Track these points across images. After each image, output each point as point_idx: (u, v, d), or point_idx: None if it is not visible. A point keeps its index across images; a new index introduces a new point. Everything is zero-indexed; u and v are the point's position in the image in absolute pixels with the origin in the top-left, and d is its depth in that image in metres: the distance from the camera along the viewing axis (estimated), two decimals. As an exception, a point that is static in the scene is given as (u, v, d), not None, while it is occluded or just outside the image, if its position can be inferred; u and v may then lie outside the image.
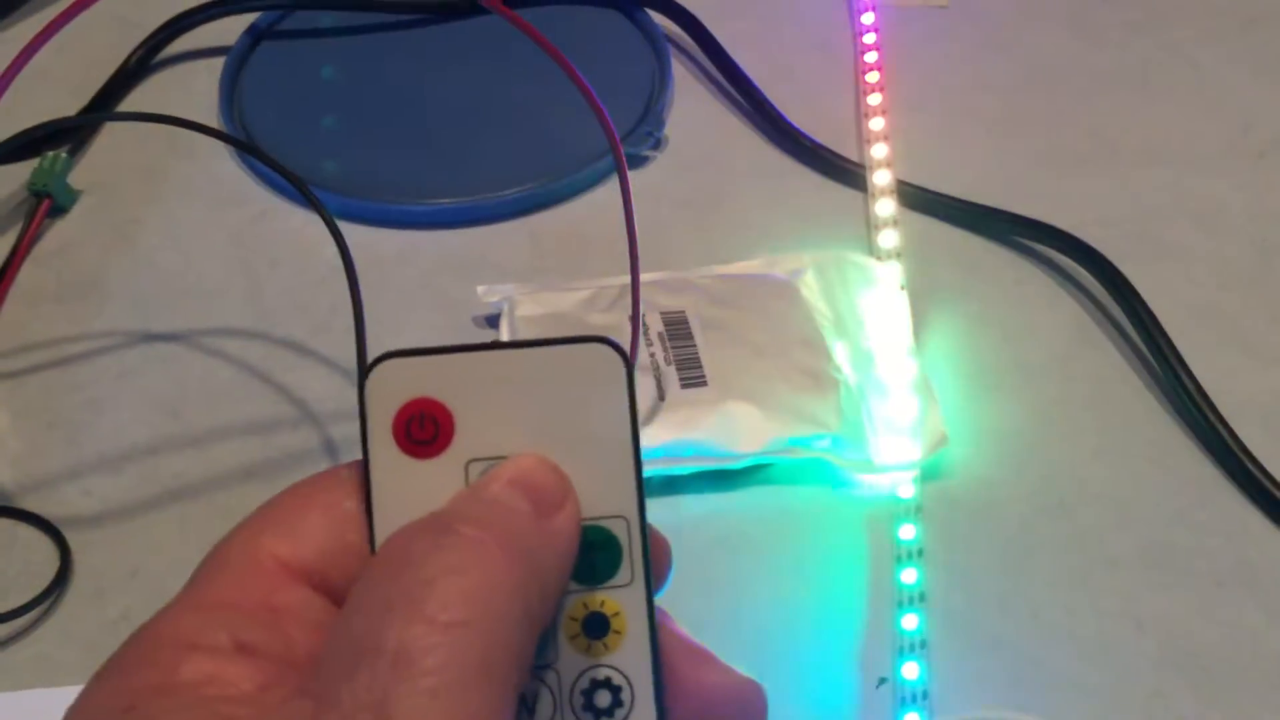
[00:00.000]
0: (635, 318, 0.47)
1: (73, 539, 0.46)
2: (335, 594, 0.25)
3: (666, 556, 0.27)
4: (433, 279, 0.55)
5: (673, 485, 0.48)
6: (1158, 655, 0.44)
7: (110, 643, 0.44)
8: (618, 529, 0.26)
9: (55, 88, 0.63)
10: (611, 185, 0.59)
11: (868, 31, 0.65)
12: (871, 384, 0.50)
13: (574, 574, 0.26)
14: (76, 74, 0.63)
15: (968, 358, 0.52)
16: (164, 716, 0.22)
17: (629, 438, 0.26)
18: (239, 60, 0.65)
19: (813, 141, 0.60)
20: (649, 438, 0.47)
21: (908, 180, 0.58)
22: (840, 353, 0.51)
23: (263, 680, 0.23)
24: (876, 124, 0.61)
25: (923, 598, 0.44)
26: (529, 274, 0.55)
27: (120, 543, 0.47)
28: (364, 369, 0.26)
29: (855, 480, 0.48)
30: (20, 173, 0.58)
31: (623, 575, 0.26)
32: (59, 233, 0.58)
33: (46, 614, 0.45)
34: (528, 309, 0.52)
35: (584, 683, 0.25)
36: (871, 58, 0.64)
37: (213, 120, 0.62)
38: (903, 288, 0.54)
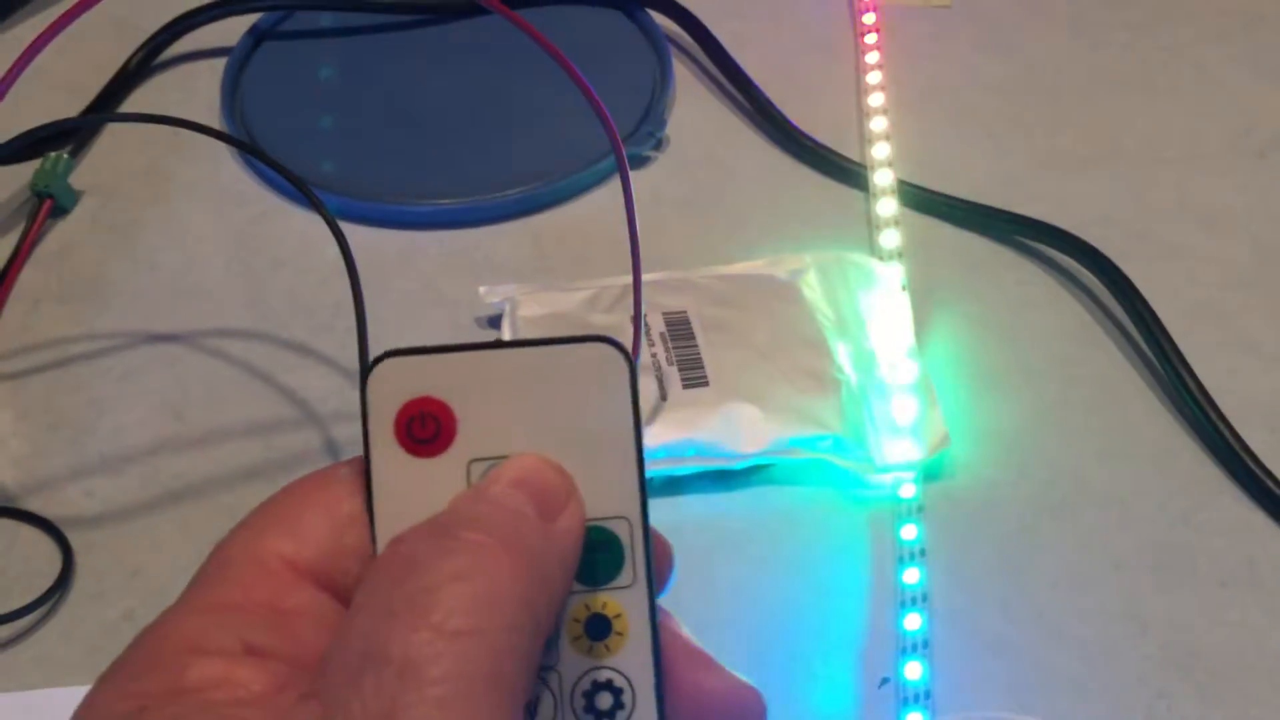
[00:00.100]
0: (637, 318, 0.47)
1: (75, 540, 0.46)
2: (340, 592, 0.25)
3: (668, 558, 0.27)
4: (434, 279, 0.55)
5: (674, 485, 0.48)
6: (1161, 656, 0.44)
7: (112, 643, 0.44)
8: (620, 530, 0.26)
9: (57, 89, 0.63)
10: (613, 185, 0.59)
11: (869, 31, 0.65)
12: (873, 384, 0.50)
13: (576, 575, 0.25)
14: (78, 75, 0.63)
15: (969, 358, 0.52)
16: None
17: (631, 437, 0.26)
18: (240, 61, 0.65)
19: (814, 141, 0.60)
20: (651, 438, 0.47)
21: (909, 180, 0.58)
22: (842, 353, 0.51)
23: (273, 682, 0.22)
24: (878, 124, 0.61)
25: (925, 598, 0.44)
26: (531, 274, 0.55)
27: (122, 543, 0.47)
28: (365, 368, 0.26)
29: (857, 481, 0.48)
30: (22, 174, 0.58)
31: (625, 576, 0.26)
32: (61, 234, 0.58)
33: (48, 615, 0.45)
34: (529, 309, 0.52)
35: (585, 684, 0.25)
36: (873, 58, 0.64)
37: (214, 121, 0.62)
38: (904, 288, 0.53)
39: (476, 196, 0.58)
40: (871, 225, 0.57)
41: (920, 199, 0.58)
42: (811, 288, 0.53)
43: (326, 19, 0.67)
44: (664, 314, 0.51)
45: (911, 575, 0.45)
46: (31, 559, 0.46)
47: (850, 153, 0.60)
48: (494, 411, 0.26)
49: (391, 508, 0.25)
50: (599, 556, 0.26)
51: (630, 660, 0.25)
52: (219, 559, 0.25)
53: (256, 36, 0.66)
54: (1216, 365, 0.51)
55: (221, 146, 0.61)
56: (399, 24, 0.67)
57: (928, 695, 0.42)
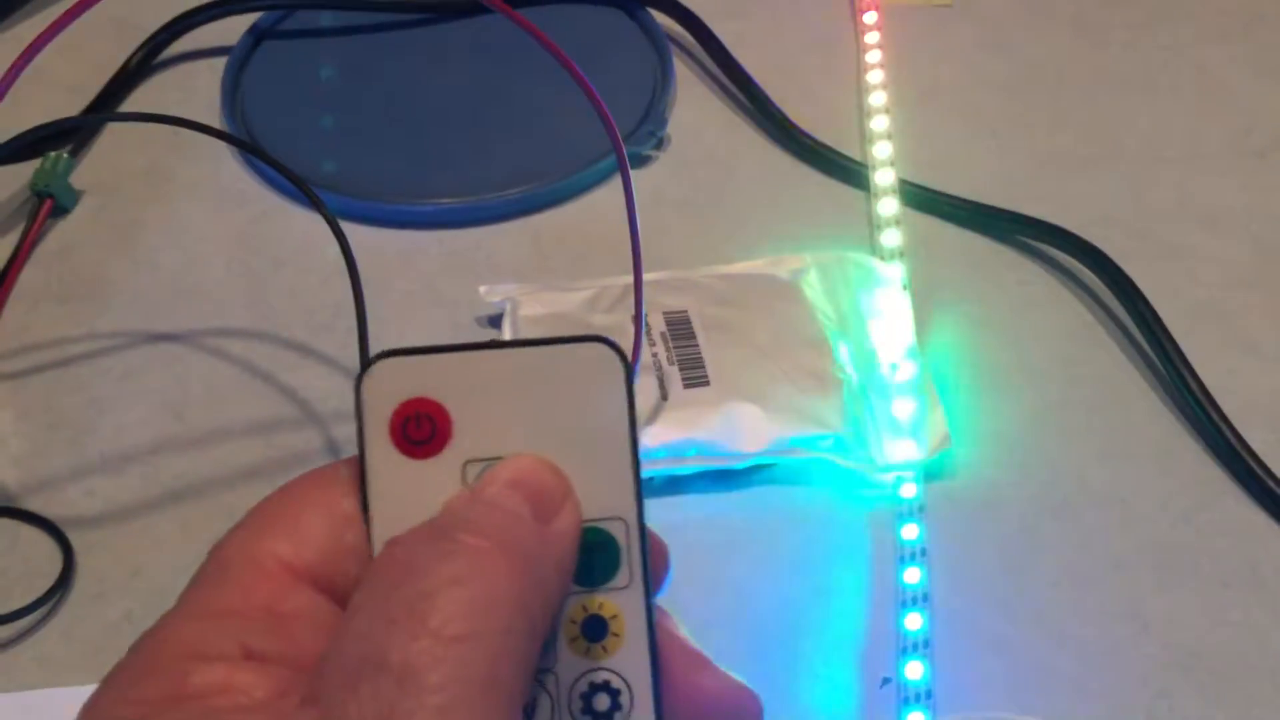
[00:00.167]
0: (638, 318, 0.47)
1: (75, 540, 0.46)
2: (337, 593, 0.25)
3: (664, 559, 0.27)
4: (435, 279, 0.55)
5: (675, 485, 0.48)
6: (1162, 656, 0.44)
7: (113, 643, 0.44)
8: (616, 530, 0.26)
9: (57, 88, 0.63)
10: (614, 185, 0.59)
11: (870, 30, 0.65)
12: (874, 384, 0.50)
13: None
14: (78, 74, 0.63)
15: (971, 358, 0.52)
16: None
17: (627, 438, 0.26)
18: (241, 60, 0.64)
19: (815, 141, 0.60)
20: (652, 437, 0.47)
21: (910, 180, 0.58)
22: (843, 353, 0.51)
23: (274, 687, 0.22)
24: (879, 123, 0.61)
25: (926, 598, 0.44)
26: (531, 274, 0.55)
27: (123, 543, 0.47)
28: (360, 369, 0.25)
29: (858, 480, 0.48)
30: (22, 173, 0.58)
31: (621, 578, 0.25)
32: (61, 233, 0.58)
33: (49, 615, 0.45)
34: (530, 309, 0.52)
35: (582, 686, 0.25)
36: (874, 56, 0.64)
37: (214, 120, 0.62)
38: (905, 288, 0.53)
39: (477, 196, 0.58)
40: (873, 224, 0.57)
41: (921, 198, 0.58)
42: (812, 287, 0.53)
43: (326, 18, 0.67)
44: (665, 313, 0.51)
45: (912, 575, 0.45)
46: (32, 559, 0.46)
47: (851, 152, 0.60)
48: (489, 412, 0.25)
49: (387, 509, 0.25)
50: (595, 558, 0.25)
51: (627, 661, 0.25)
52: (217, 561, 0.25)
53: (256, 36, 0.66)
54: (1218, 365, 0.51)
55: (222, 146, 0.61)
56: (399, 23, 0.67)
57: (929, 695, 0.42)
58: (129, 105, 0.64)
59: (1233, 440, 0.48)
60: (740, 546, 0.47)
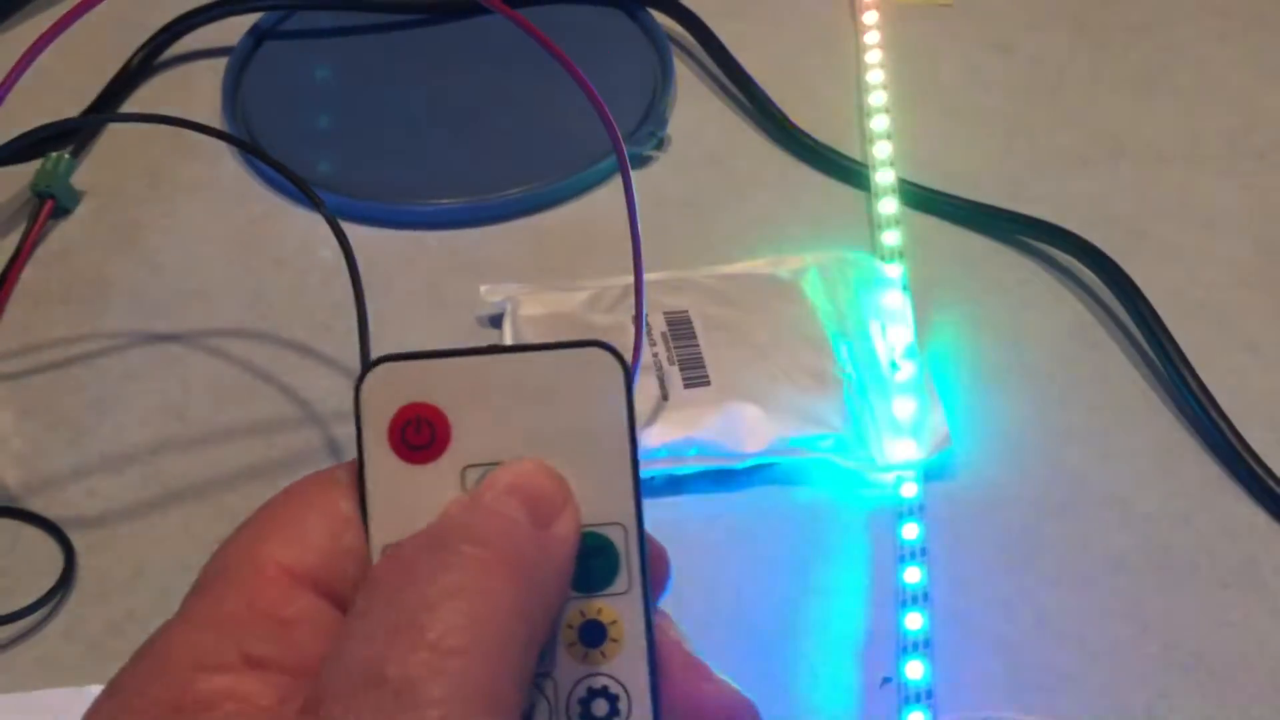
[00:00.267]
0: (639, 318, 0.47)
1: (77, 540, 0.47)
2: (339, 597, 0.25)
3: (664, 564, 0.27)
4: (436, 279, 0.55)
5: (676, 485, 0.48)
6: (1162, 656, 0.44)
7: (114, 643, 0.44)
8: (615, 536, 0.25)
9: (58, 89, 0.63)
10: (614, 185, 0.59)
11: (870, 30, 0.65)
12: (875, 384, 0.50)
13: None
14: (79, 75, 0.63)
15: (971, 357, 0.52)
16: None
17: (626, 443, 0.26)
18: (241, 61, 0.65)
19: (815, 141, 0.60)
20: (652, 437, 0.47)
21: (910, 179, 0.58)
22: (843, 352, 0.51)
23: (276, 695, 0.22)
24: (879, 123, 0.61)
25: (926, 597, 0.44)
26: (532, 274, 0.55)
27: (124, 543, 0.47)
28: (359, 373, 0.25)
29: (858, 480, 0.48)
30: (23, 174, 0.58)
31: (620, 583, 0.25)
32: (62, 234, 0.58)
33: (51, 615, 0.45)
34: (531, 309, 0.52)
35: (581, 691, 0.25)
36: (874, 56, 0.64)
37: (215, 121, 0.62)
38: (905, 287, 0.53)
39: (477, 196, 0.58)
40: (873, 224, 0.57)
41: (921, 198, 0.58)
42: (813, 287, 0.53)
43: (326, 19, 0.67)
44: (665, 313, 0.51)
45: (913, 574, 0.45)
46: (33, 559, 0.46)
47: (851, 152, 0.60)
48: (488, 417, 0.25)
49: (386, 514, 0.25)
50: (594, 563, 0.25)
51: (626, 667, 0.25)
52: (217, 568, 0.25)
53: (257, 36, 0.66)
54: (1217, 364, 0.51)
55: (222, 146, 0.61)
56: (399, 23, 0.67)
57: (929, 694, 0.42)
58: (130, 106, 0.64)
59: (1233, 440, 0.48)
60: (740, 546, 0.47)
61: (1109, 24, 0.67)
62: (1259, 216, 0.58)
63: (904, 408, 0.49)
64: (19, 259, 0.55)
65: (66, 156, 0.58)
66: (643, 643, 0.25)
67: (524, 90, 0.63)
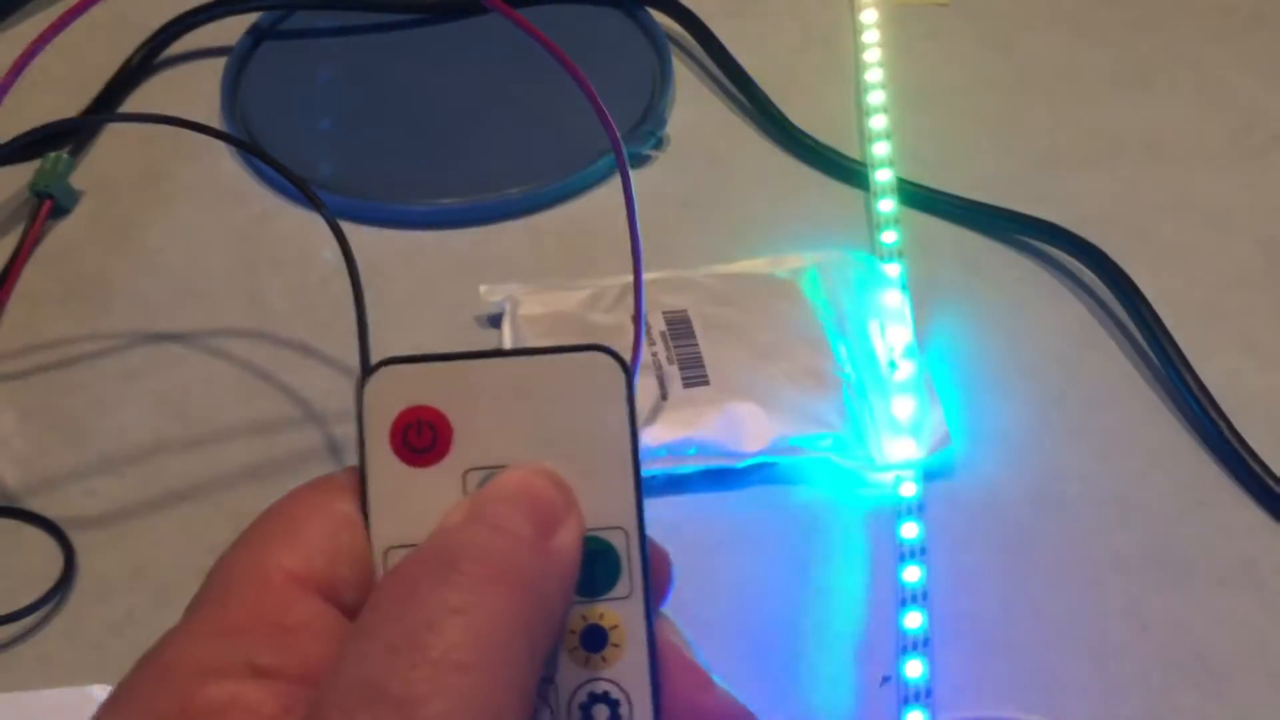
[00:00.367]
0: (638, 317, 0.47)
1: (77, 540, 0.47)
2: (343, 602, 0.25)
3: (667, 569, 0.27)
4: (435, 279, 0.55)
5: (675, 484, 0.48)
6: (1161, 654, 0.44)
7: (114, 643, 0.44)
8: (616, 540, 0.25)
9: (57, 89, 0.63)
10: (613, 184, 0.59)
11: (869, 30, 0.65)
12: (874, 383, 0.50)
13: None
14: (78, 75, 0.63)
15: (970, 356, 0.52)
16: None
17: (628, 448, 0.26)
18: (241, 60, 0.65)
19: (814, 140, 0.60)
20: (652, 437, 0.47)
21: (909, 178, 0.58)
22: (842, 352, 0.51)
23: (283, 702, 0.22)
24: (878, 122, 0.61)
25: (925, 596, 0.44)
26: (531, 273, 0.55)
27: (124, 543, 0.47)
28: (361, 376, 0.25)
29: (858, 479, 0.48)
30: (22, 174, 0.58)
31: (621, 588, 0.25)
32: (61, 234, 0.58)
33: (51, 615, 0.45)
34: (530, 308, 0.52)
35: (582, 696, 0.25)
36: (873, 55, 0.64)
37: (214, 121, 0.62)
38: (904, 286, 0.53)
39: (477, 196, 0.58)
40: (872, 223, 0.57)
41: (920, 197, 0.58)
42: (812, 286, 0.53)
43: (326, 18, 0.67)
44: (664, 313, 0.51)
45: (912, 573, 0.45)
46: (33, 559, 0.46)
47: (850, 151, 0.60)
48: (490, 420, 0.25)
49: (387, 517, 0.25)
50: (595, 567, 0.25)
51: (627, 672, 0.25)
52: (222, 575, 0.25)
53: (256, 36, 0.66)
54: (1217, 363, 0.51)
55: (222, 146, 0.61)
56: (399, 23, 0.67)
57: (928, 694, 0.42)
58: (129, 105, 0.64)
59: (1231, 439, 0.48)
60: (740, 545, 0.47)
61: (1108, 22, 0.67)
62: (1259, 215, 0.58)
63: (903, 407, 0.49)
64: (18, 259, 0.55)
65: (65, 156, 0.58)
66: (644, 648, 0.25)
67: (523, 90, 0.63)
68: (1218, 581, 0.46)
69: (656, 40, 0.65)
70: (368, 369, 0.25)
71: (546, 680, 0.25)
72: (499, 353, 0.26)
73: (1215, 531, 0.47)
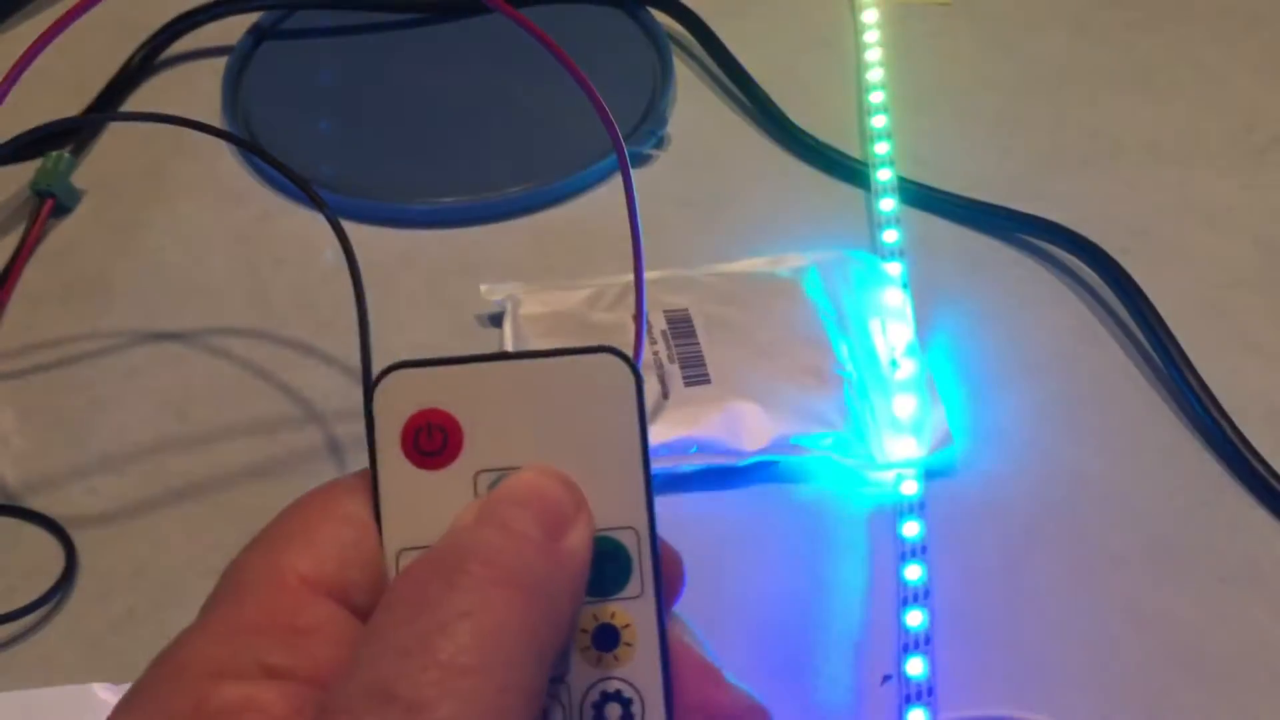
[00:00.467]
0: (640, 316, 0.47)
1: (78, 538, 0.47)
2: (356, 605, 0.25)
3: (679, 569, 0.27)
4: (436, 278, 0.55)
5: (677, 483, 0.48)
6: (1162, 652, 0.44)
7: (115, 642, 0.44)
8: (627, 540, 0.26)
9: (58, 88, 0.63)
10: (614, 184, 0.59)
11: (870, 29, 0.65)
12: (875, 382, 0.50)
13: None
14: (79, 74, 0.64)
15: (971, 355, 0.52)
16: None
17: (638, 448, 0.26)
18: (242, 60, 0.65)
19: (815, 139, 0.60)
20: (653, 435, 0.47)
21: (910, 178, 0.58)
22: (844, 350, 0.51)
23: (294, 704, 0.23)
24: (879, 121, 0.61)
25: (927, 594, 0.44)
26: (532, 273, 0.55)
27: (125, 542, 0.47)
28: (372, 379, 0.25)
29: (859, 478, 0.48)
30: (24, 173, 0.58)
31: (633, 587, 0.26)
32: (63, 233, 0.58)
33: (52, 613, 0.45)
34: (531, 308, 0.52)
35: (594, 695, 0.25)
36: (874, 55, 0.64)
37: (216, 120, 0.62)
38: (905, 285, 0.54)
39: (478, 195, 0.58)
40: (873, 223, 0.57)
41: (921, 196, 0.58)
42: (813, 285, 0.53)
43: (326, 18, 0.67)
44: (665, 312, 0.51)
45: (913, 572, 0.45)
46: (34, 557, 0.46)
47: (851, 150, 0.60)
48: (500, 423, 0.26)
49: (399, 520, 0.25)
50: (606, 567, 0.25)
51: (639, 671, 0.25)
52: (236, 577, 0.25)
53: (257, 35, 0.66)
54: (1217, 362, 0.51)
55: (223, 145, 0.61)
56: (399, 23, 0.67)
57: (930, 692, 0.42)
58: (130, 105, 0.64)
59: (1232, 436, 0.48)
60: (741, 544, 0.47)
61: (1109, 22, 0.67)
62: (1259, 214, 0.58)
63: (904, 406, 0.49)
64: (19, 258, 0.55)
65: (67, 155, 0.58)
66: (656, 647, 0.25)
67: (525, 90, 0.63)
68: (1219, 580, 0.46)
69: (657, 40, 0.65)
70: (378, 373, 0.25)
71: (558, 679, 0.25)
72: (509, 355, 0.26)
73: (1216, 530, 0.47)
